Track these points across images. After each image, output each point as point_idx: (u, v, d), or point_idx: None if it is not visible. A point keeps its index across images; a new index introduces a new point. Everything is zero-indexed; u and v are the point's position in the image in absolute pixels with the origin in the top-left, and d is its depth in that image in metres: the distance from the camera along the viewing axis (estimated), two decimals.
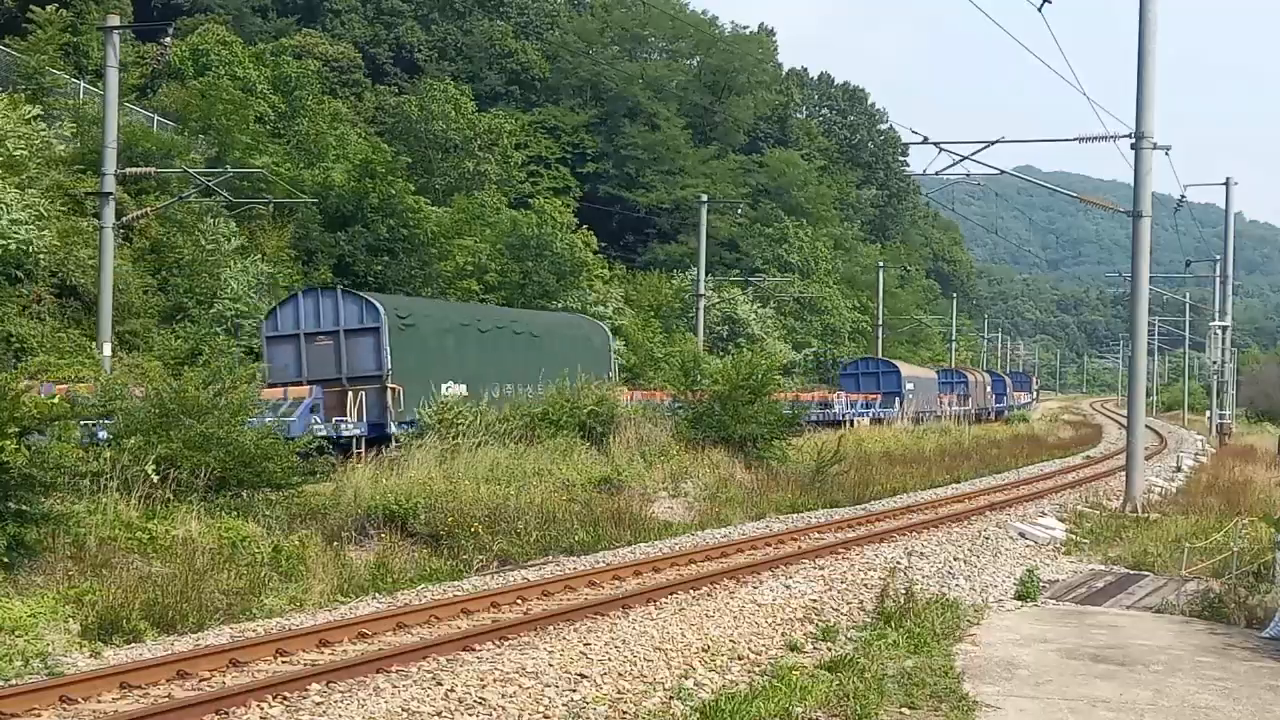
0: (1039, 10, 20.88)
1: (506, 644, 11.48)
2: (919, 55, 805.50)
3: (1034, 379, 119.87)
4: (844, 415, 48.05)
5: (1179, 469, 35.80)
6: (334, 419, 23.28)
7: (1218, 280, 51.48)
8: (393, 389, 25.05)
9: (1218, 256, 52.18)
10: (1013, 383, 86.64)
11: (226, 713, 9.08)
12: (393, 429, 24.51)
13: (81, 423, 15.61)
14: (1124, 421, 38.73)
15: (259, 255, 34.52)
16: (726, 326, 55.91)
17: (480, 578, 16.06)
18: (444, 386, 26.00)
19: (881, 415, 51.64)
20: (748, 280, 61.50)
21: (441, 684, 9.78)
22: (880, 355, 65.84)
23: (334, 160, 43.60)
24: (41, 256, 26.02)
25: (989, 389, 73.96)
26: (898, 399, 54.55)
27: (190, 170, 30.98)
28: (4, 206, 24.30)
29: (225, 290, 31.69)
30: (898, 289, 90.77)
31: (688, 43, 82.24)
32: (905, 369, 59.42)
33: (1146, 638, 12.72)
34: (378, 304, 26.26)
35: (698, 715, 9.18)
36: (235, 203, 33.20)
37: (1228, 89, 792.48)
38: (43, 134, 27.29)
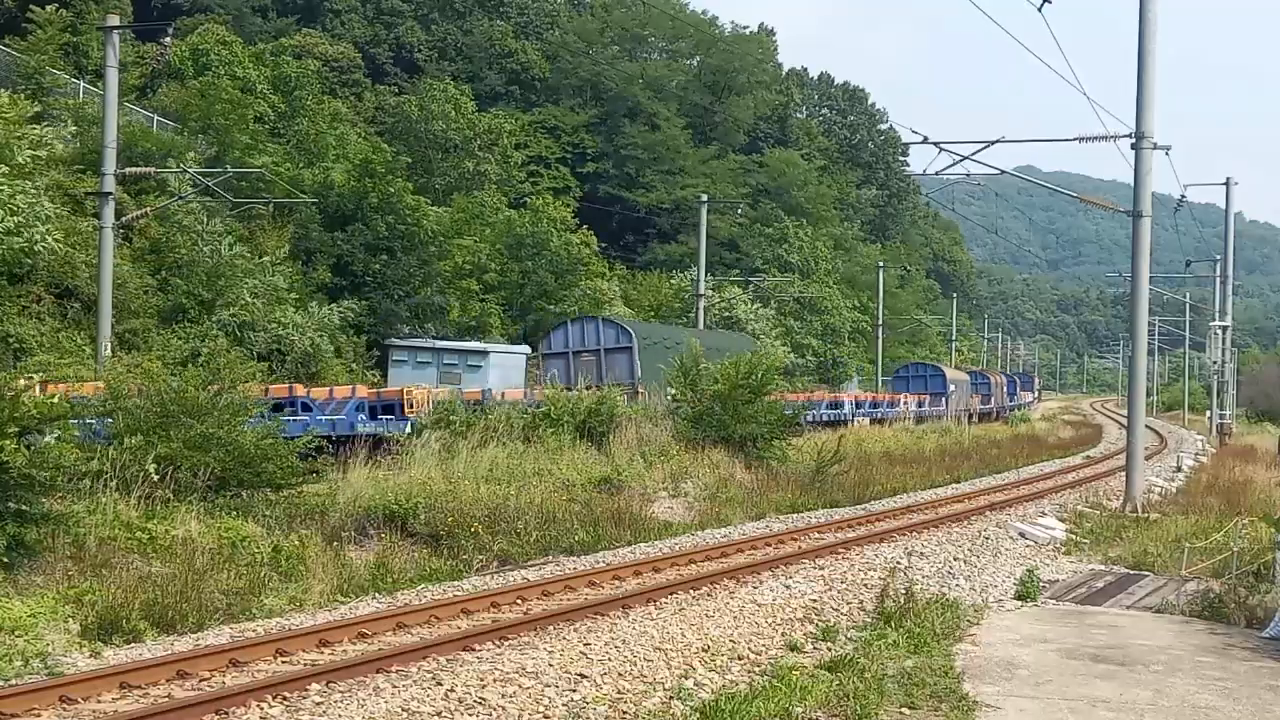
0: (1039, 10, 20.89)
1: (506, 644, 11.48)
2: (919, 55, 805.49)
3: (1036, 379, 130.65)
4: (905, 412, 55.62)
5: (1179, 469, 35.81)
6: None
7: (1218, 280, 51.47)
8: (641, 391, 32.33)
9: (1218, 256, 52.18)
10: (1020, 383, 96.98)
11: (226, 713, 9.08)
12: None
13: (82, 420, 15.62)
14: (1124, 421, 38.74)
15: (261, 256, 34.48)
16: (727, 328, 55.90)
17: (480, 578, 16.06)
18: (667, 390, 31.62)
19: (930, 413, 58.30)
20: (748, 280, 61.54)
21: (441, 684, 9.78)
22: (880, 356, 67.88)
23: (334, 160, 43.58)
24: (43, 259, 25.99)
25: (1005, 389, 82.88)
26: (943, 398, 62.01)
27: (190, 170, 30.96)
28: (15, 208, 24.27)
29: (232, 295, 31.65)
30: (898, 289, 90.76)
31: (688, 43, 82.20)
32: (949, 372, 66.73)
33: (1146, 638, 12.72)
34: (630, 329, 35.15)
35: (698, 715, 9.18)
36: (235, 202, 33.17)
37: (1228, 89, 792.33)
38: (46, 133, 27.20)
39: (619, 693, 9.82)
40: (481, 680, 9.89)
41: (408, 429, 24.00)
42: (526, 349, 39.98)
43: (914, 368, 67.77)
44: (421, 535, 17.98)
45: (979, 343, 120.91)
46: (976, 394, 70.27)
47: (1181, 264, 60.64)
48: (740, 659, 11.19)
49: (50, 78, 33.46)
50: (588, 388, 30.13)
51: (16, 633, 11.05)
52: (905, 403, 56.98)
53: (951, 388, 64.03)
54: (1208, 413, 63.35)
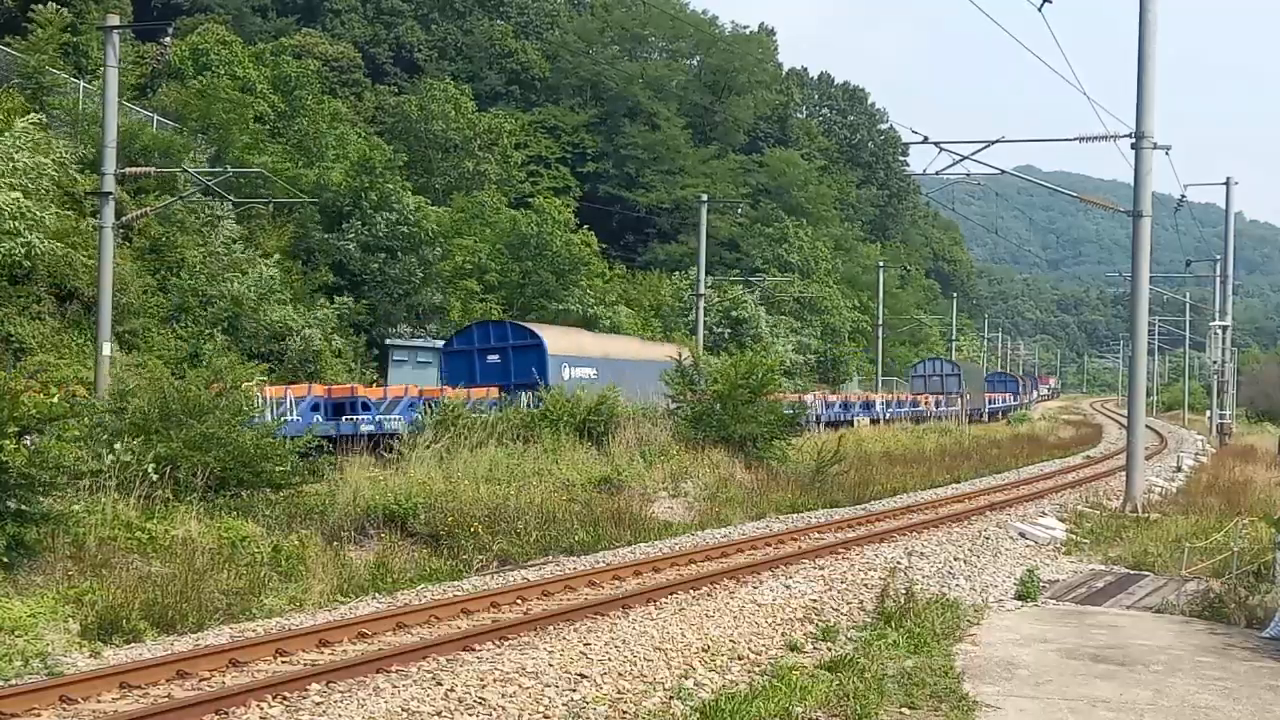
0: (1039, 10, 20.87)
1: (506, 644, 11.48)
2: (919, 55, 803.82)
3: (1052, 377, 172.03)
4: (1006, 404, 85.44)
5: (1179, 469, 35.78)
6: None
7: (1218, 280, 51.40)
8: (965, 397, 65.41)
9: (1218, 256, 52.10)
10: (1034, 382, 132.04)
11: (226, 713, 9.08)
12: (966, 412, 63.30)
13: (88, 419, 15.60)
14: (1124, 421, 38.74)
15: (261, 254, 34.48)
16: (727, 328, 55.93)
17: (480, 578, 16.06)
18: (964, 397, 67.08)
19: (1009, 405, 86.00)
20: (748, 280, 61.54)
21: (441, 684, 9.78)
22: (881, 356, 68.91)
23: (333, 160, 43.58)
24: (42, 261, 25.99)
25: (1033, 387, 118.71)
26: (1016, 394, 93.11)
27: (190, 170, 30.95)
28: (21, 215, 24.26)
29: (229, 290, 31.67)
30: (898, 289, 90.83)
31: (688, 43, 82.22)
32: (1018, 378, 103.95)
33: (1146, 638, 12.72)
34: (958, 365, 74.04)
35: (698, 715, 9.18)
36: (235, 202, 33.16)
37: (1228, 89, 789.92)
38: (58, 150, 27.14)
39: (619, 693, 9.82)
40: (481, 680, 9.89)
41: None
42: None
43: (996, 375, 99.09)
44: (421, 535, 17.98)
45: (978, 342, 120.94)
46: (1025, 391, 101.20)
47: (1181, 264, 60.61)
48: (740, 659, 11.19)
49: (50, 77, 33.43)
50: (934, 393, 65.76)
51: (16, 633, 11.05)
52: (1003, 399, 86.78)
53: (1019, 388, 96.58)
54: (1208, 413, 63.29)
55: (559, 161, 66.74)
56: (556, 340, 32.51)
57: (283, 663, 10.83)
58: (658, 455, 26.37)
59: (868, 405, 55.57)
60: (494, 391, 29.62)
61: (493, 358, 31.76)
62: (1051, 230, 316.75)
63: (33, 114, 27.00)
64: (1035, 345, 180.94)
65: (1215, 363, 53.59)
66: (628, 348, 37.44)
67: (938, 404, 64.09)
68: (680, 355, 30.78)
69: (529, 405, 28.30)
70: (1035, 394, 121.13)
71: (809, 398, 44.58)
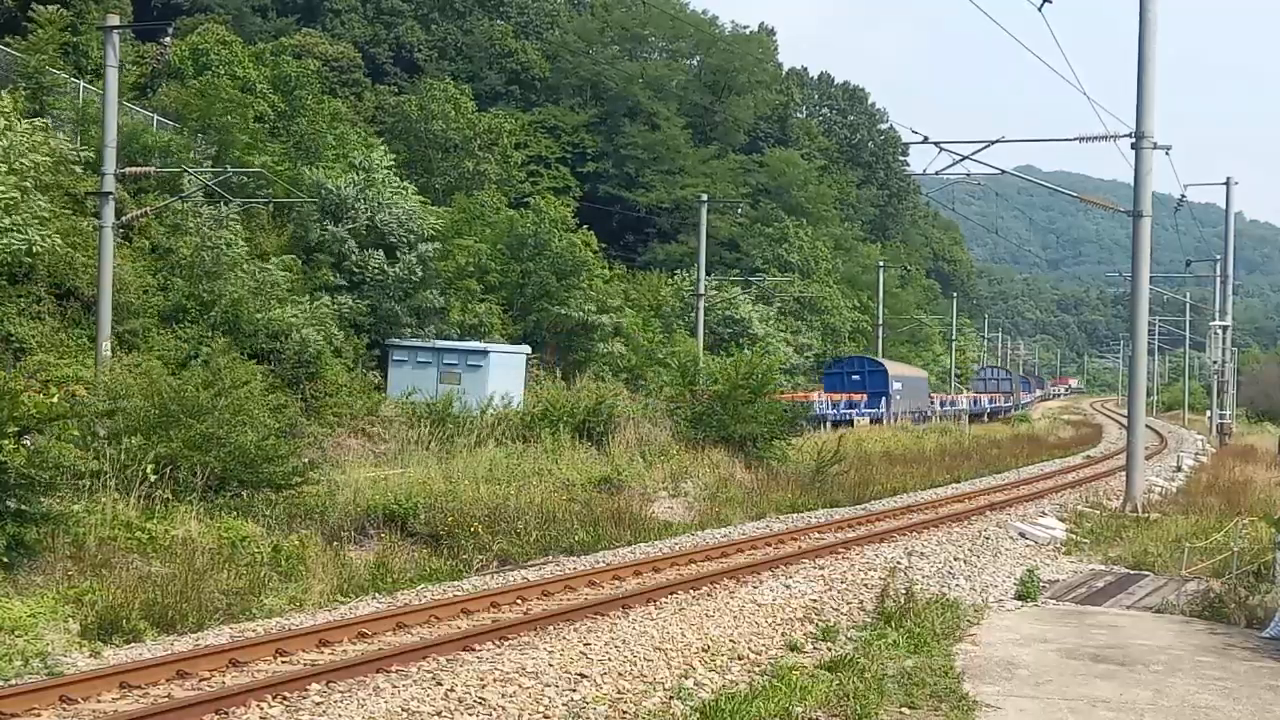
0: (1039, 10, 20.87)
1: (506, 644, 11.48)
2: (919, 55, 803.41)
3: (1073, 379, 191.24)
4: (1027, 401, 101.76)
5: (1179, 469, 35.79)
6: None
7: (1218, 280, 51.40)
8: (1015, 395, 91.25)
9: (1218, 256, 52.08)
10: (1040, 381, 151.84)
11: (226, 713, 9.09)
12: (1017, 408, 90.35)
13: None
14: (1124, 421, 38.74)
15: (259, 255, 34.43)
16: (728, 328, 55.92)
17: (480, 578, 16.07)
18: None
19: (1029, 401, 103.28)
20: (748, 280, 61.52)
21: (441, 684, 9.78)
22: (881, 356, 68.99)
23: (333, 159, 43.52)
24: (42, 260, 25.97)
25: (1039, 385, 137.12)
26: (1030, 392, 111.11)
27: (190, 170, 30.93)
28: (24, 209, 24.26)
29: (227, 291, 31.61)
30: (898, 289, 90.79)
31: (688, 43, 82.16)
32: (1031, 379, 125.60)
33: (1146, 638, 12.72)
34: (1011, 372, 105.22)
35: (698, 715, 9.18)
36: (236, 202, 33.11)
37: (1228, 89, 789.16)
38: (60, 150, 27.09)
39: (619, 693, 9.82)
40: (481, 680, 9.89)
41: None
42: (526, 349, 39.95)
43: (1021, 376, 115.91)
44: (421, 535, 18.00)
45: (979, 342, 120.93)
46: (1032, 390, 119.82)
47: (1181, 264, 60.62)
48: (740, 659, 11.19)
49: (50, 78, 33.41)
50: (992, 393, 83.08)
51: (16, 633, 11.05)
52: (1025, 397, 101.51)
53: (1030, 388, 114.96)
54: (1208, 412, 63.28)
55: (559, 161, 66.66)
56: (889, 368, 57.81)
57: (283, 663, 10.83)
58: (658, 455, 26.39)
59: (973, 400, 76.21)
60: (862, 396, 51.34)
61: (855, 377, 55.57)
62: (1051, 230, 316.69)
63: (37, 119, 27.01)
64: (1035, 345, 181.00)
65: (1215, 363, 53.58)
66: (908, 371, 65.15)
67: (1005, 399, 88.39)
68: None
69: (876, 406, 47.14)
70: (1040, 391, 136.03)
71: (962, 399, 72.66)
